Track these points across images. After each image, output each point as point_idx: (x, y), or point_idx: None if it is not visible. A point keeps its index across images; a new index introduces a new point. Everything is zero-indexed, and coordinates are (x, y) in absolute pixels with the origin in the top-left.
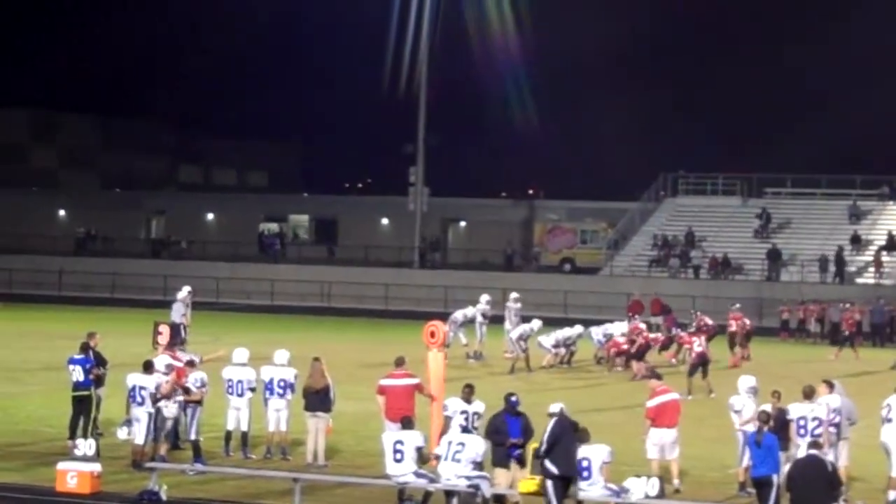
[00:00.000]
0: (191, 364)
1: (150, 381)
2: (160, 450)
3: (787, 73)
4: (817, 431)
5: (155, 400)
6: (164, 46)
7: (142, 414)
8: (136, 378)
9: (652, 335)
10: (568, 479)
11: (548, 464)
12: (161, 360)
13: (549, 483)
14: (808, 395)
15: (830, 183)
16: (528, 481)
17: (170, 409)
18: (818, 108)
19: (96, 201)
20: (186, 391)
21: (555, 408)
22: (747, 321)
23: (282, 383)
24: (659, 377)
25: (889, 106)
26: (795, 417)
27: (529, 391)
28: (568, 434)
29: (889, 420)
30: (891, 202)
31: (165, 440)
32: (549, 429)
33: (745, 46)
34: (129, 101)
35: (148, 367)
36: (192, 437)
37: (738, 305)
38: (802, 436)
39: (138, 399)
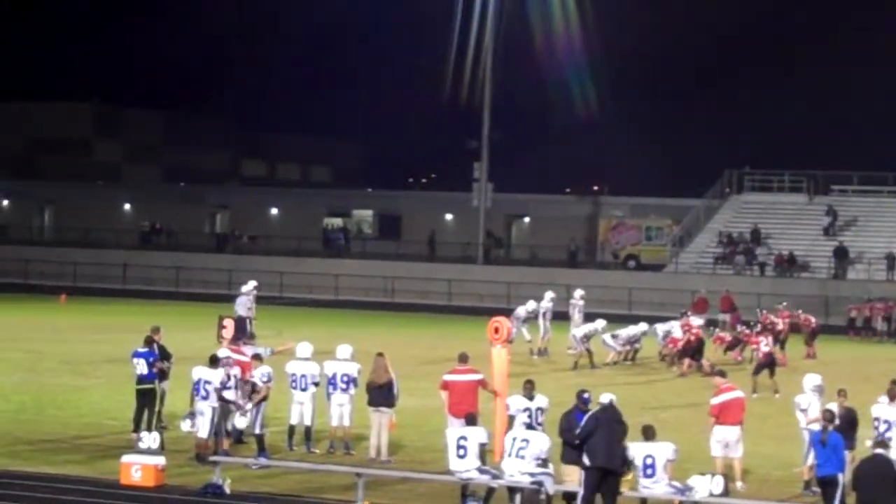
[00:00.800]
0: (257, 358)
1: (215, 376)
2: (223, 444)
3: (854, 70)
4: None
5: (220, 396)
6: (230, 42)
7: (206, 408)
8: (201, 371)
9: (720, 333)
10: (606, 471)
11: (584, 455)
12: (221, 353)
13: (583, 473)
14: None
15: None
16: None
17: (241, 420)
18: (886, 104)
19: (160, 195)
20: (253, 387)
21: (604, 398)
22: (813, 319)
23: (345, 378)
24: (723, 374)
25: None
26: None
27: (593, 387)
28: (606, 427)
29: None
30: None
31: (228, 435)
32: (584, 420)
33: (812, 43)
34: (192, 95)
35: (214, 362)
36: (257, 430)
37: (784, 304)
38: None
39: (202, 393)
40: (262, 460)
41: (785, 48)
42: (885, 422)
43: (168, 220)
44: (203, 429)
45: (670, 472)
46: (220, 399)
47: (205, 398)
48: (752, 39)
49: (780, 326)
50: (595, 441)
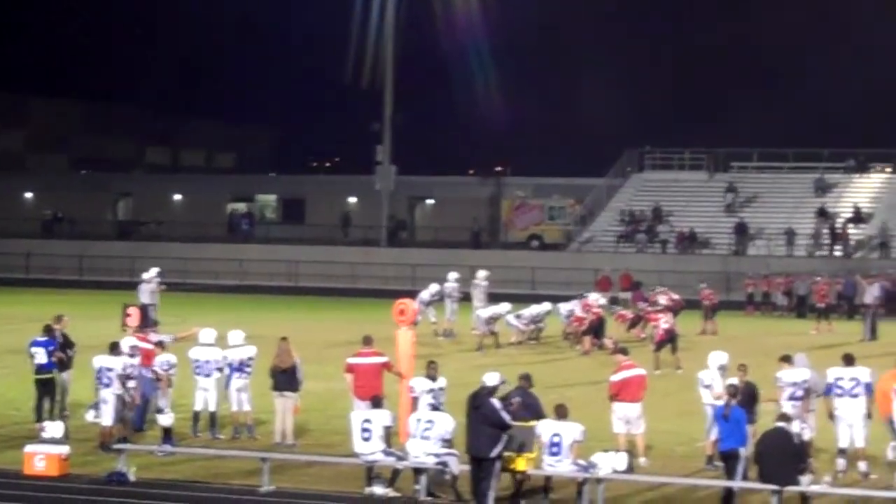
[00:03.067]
0: (160, 346)
1: (116, 363)
2: (125, 431)
3: (753, 46)
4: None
5: (123, 382)
6: (132, 29)
7: (108, 395)
8: (102, 360)
9: (621, 310)
10: (477, 459)
11: None
12: (126, 342)
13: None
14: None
15: (797, 156)
16: (522, 459)
17: (165, 418)
18: (784, 81)
19: (63, 184)
20: (157, 376)
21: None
22: (713, 296)
23: (240, 363)
24: (625, 352)
25: (856, 78)
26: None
27: (498, 367)
28: (470, 414)
29: (854, 395)
30: (857, 175)
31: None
32: None
33: (709, 19)
34: (98, 83)
35: (114, 349)
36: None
37: (704, 284)
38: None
39: (105, 380)
40: (167, 447)
41: (684, 24)
42: (793, 384)
43: (71, 209)
44: (107, 417)
45: (576, 453)
46: (124, 386)
47: (107, 386)
48: (651, 16)
49: (664, 302)
50: (466, 428)
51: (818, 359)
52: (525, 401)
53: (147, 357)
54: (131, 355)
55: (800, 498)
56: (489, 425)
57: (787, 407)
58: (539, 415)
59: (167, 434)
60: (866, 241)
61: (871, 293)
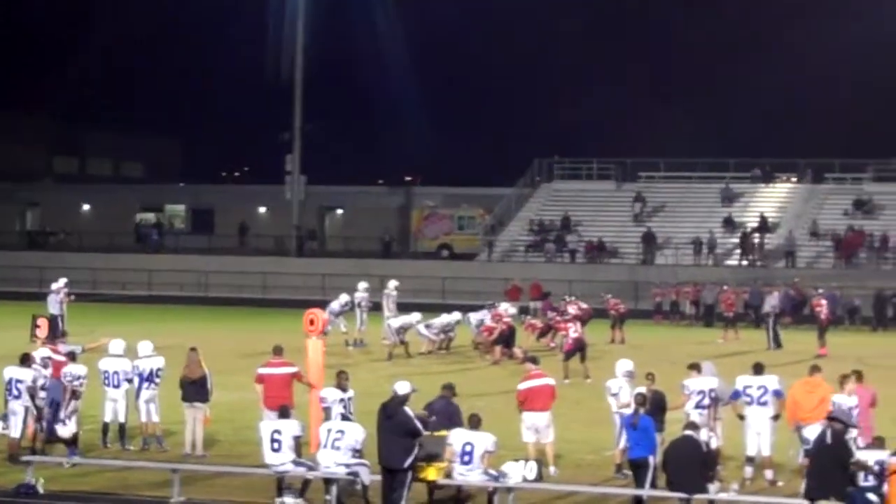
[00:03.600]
0: (71, 356)
1: (26, 375)
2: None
3: (661, 56)
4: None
5: (32, 395)
6: (41, 36)
7: (18, 407)
8: (12, 371)
9: (530, 320)
10: (390, 470)
11: None
12: (39, 353)
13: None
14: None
15: (704, 166)
16: (433, 468)
17: (64, 429)
18: (692, 91)
19: None
20: (73, 392)
21: (397, 387)
22: (621, 305)
23: (149, 373)
24: (535, 361)
25: (762, 89)
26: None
27: (409, 376)
28: (381, 423)
29: (763, 403)
30: (763, 184)
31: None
32: None
33: (617, 29)
34: (3, 92)
35: (24, 360)
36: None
37: (609, 294)
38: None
39: (14, 392)
40: (75, 458)
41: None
42: (700, 392)
43: None
44: (16, 428)
45: (487, 463)
46: (32, 399)
47: (17, 397)
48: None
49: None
50: (378, 439)
51: (725, 367)
52: (447, 410)
53: (57, 368)
54: (44, 366)
55: None
56: (402, 434)
57: (694, 415)
58: (458, 425)
59: (71, 444)
60: (773, 250)
61: (769, 302)
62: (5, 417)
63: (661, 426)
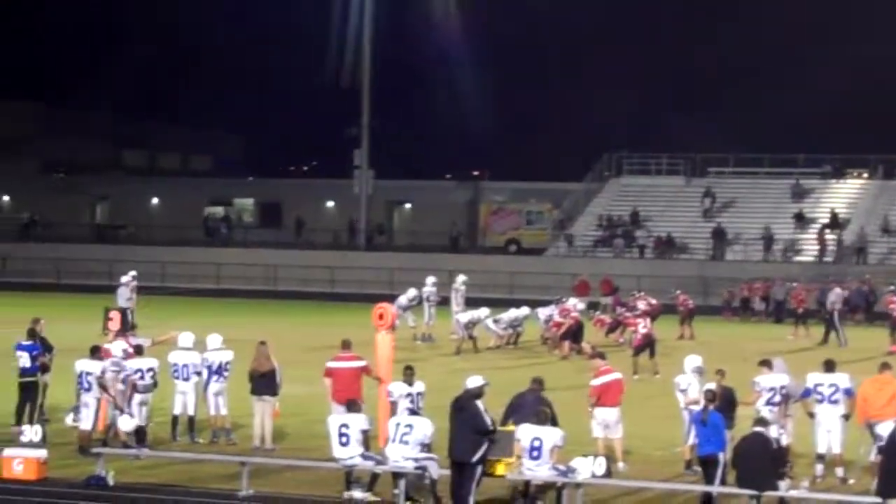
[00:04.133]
0: (138, 350)
1: (96, 367)
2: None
3: (730, 51)
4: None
5: (102, 386)
6: (107, 31)
7: (90, 399)
8: (83, 364)
9: (599, 315)
10: (460, 463)
11: None
12: (117, 346)
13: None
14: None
15: (773, 162)
16: (502, 464)
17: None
18: (761, 86)
19: (39, 186)
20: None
21: (469, 382)
22: (690, 301)
23: (221, 366)
24: (603, 357)
25: (832, 84)
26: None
27: (477, 371)
28: (452, 416)
29: (834, 401)
30: (833, 180)
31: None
32: None
33: (686, 24)
34: (72, 86)
35: (95, 352)
36: (141, 422)
37: (678, 290)
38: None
39: (85, 385)
40: (145, 451)
41: (663, 29)
42: (771, 389)
43: (48, 212)
44: (87, 420)
45: (556, 457)
46: (105, 390)
47: (88, 390)
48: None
49: (642, 307)
50: (450, 432)
51: (796, 364)
52: (537, 403)
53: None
54: (125, 358)
55: (778, 502)
56: (471, 428)
57: (765, 412)
58: (555, 419)
59: (138, 437)
60: (845, 247)
61: (830, 298)
62: (76, 409)
63: (731, 423)
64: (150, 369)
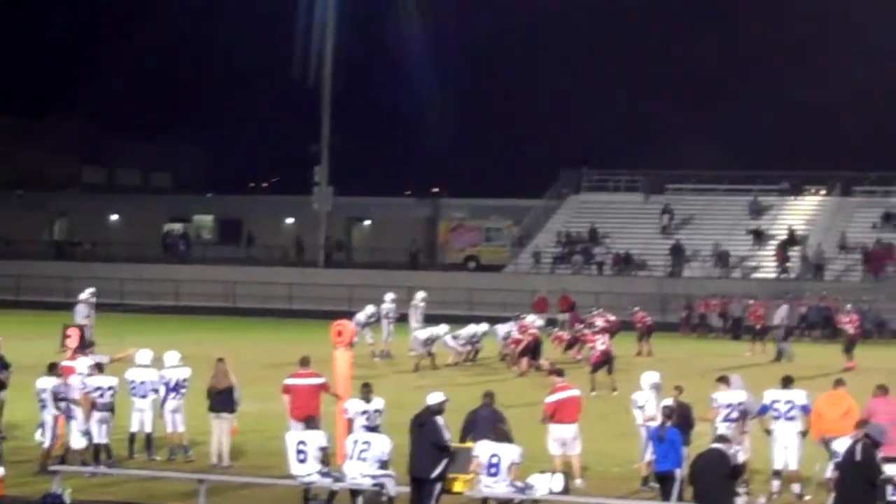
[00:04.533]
0: (98, 367)
1: (48, 383)
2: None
3: (687, 69)
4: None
5: (58, 401)
6: (68, 46)
7: (47, 417)
8: (43, 381)
9: (557, 332)
10: (418, 480)
11: None
12: (83, 363)
13: None
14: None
15: (731, 179)
16: (460, 481)
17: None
18: (719, 103)
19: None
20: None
21: (429, 399)
22: (648, 318)
23: (175, 383)
24: (561, 373)
25: (789, 101)
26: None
27: (435, 388)
28: (412, 432)
29: (790, 418)
30: (791, 197)
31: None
32: None
33: (643, 42)
34: (32, 101)
35: (53, 369)
36: (97, 440)
37: (637, 308)
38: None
39: (45, 402)
40: (102, 468)
41: (619, 46)
42: (728, 405)
43: (7, 228)
44: (46, 438)
45: (514, 474)
46: (58, 407)
47: (45, 407)
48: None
49: (600, 324)
50: (410, 448)
51: (752, 380)
52: (493, 417)
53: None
54: (90, 374)
55: None
56: (431, 444)
57: (722, 428)
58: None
59: (98, 455)
60: (803, 263)
61: (777, 315)
62: (42, 426)
63: (688, 439)
64: (109, 387)
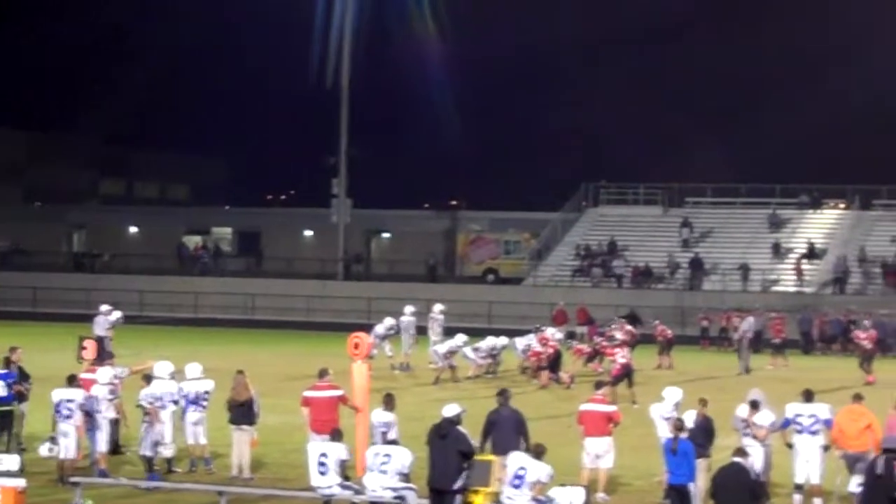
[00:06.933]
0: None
1: (76, 395)
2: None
3: (707, 82)
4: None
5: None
6: (87, 59)
7: (69, 428)
8: (61, 393)
9: (577, 345)
10: (439, 491)
11: None
12: (105, 373)
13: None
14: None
15: (750, 192)
16: (481, 494)
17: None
18: (738, 117)
19: (18, 215)
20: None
21: (445, 411)
22: (668, 331)
23: (196, 396)
24: (598, 385)
25: (809, 115)
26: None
27: (455, 401)
28: (433, 443)
29: (813, 432)
30: (810, 210)
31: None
32: None
33: (664, 56)
34: (51, 114)
35: (72, 381)
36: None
37: (657, 321)
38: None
39: (64, 413)
40: (123, 479)
41: (638, 62)
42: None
43: (26, 240)
44: (67, 449)
45: (537, 492)
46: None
47: (68, 417)
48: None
49: (620, 337)
50: (430, 460)
51: (774, 394)
52: (515, 417)
53: (86, 388)
54: (114, 384)
55: None
56: (457, 453)
57: (749, 442)
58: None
59: (151, 467)
60: (821, 276)
61: (743, 326)
62: (53, 440)
63: (708, 452)
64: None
